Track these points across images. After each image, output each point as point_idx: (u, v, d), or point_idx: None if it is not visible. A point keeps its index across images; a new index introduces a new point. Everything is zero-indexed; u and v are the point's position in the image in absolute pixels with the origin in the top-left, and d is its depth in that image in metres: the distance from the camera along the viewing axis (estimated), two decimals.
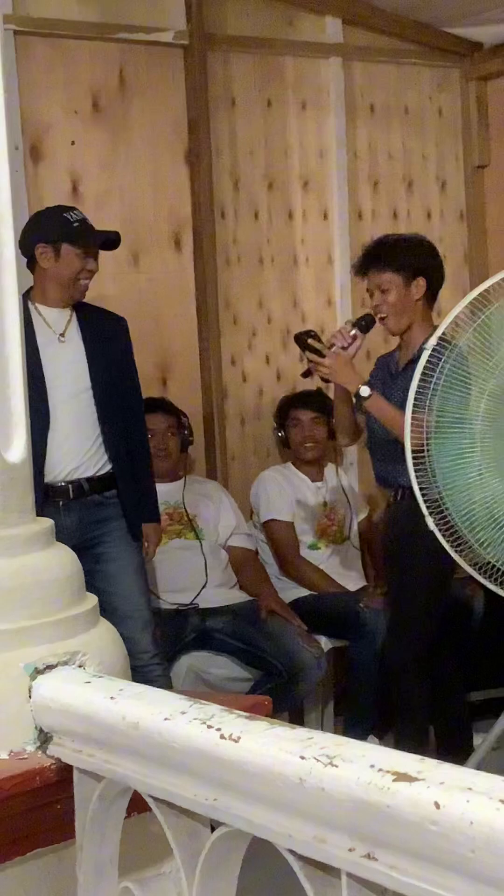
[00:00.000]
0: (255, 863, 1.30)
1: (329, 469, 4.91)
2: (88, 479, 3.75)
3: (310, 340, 3.73)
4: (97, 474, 3.77)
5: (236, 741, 1.13)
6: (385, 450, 3.83)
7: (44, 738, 1.40)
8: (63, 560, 1.55)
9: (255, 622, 4.31)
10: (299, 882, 1.07)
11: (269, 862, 1.18)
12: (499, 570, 3.43)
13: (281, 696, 4.06)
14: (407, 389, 3.41)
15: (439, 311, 4.06)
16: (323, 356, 3.70)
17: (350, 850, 1.01)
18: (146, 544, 3.91)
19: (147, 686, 1.34)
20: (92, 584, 3.94)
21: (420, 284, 3.85)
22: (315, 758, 1.05)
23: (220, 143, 4.86)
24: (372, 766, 1.01)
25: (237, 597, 4.47)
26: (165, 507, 4.28)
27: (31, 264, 3.73)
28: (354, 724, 4.35)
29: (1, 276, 1.51)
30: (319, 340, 3.76)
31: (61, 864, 1.39)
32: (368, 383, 3.73)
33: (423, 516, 3.40)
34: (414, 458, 3.39)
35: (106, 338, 3.82)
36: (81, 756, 1.34)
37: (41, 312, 3.74)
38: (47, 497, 3.64)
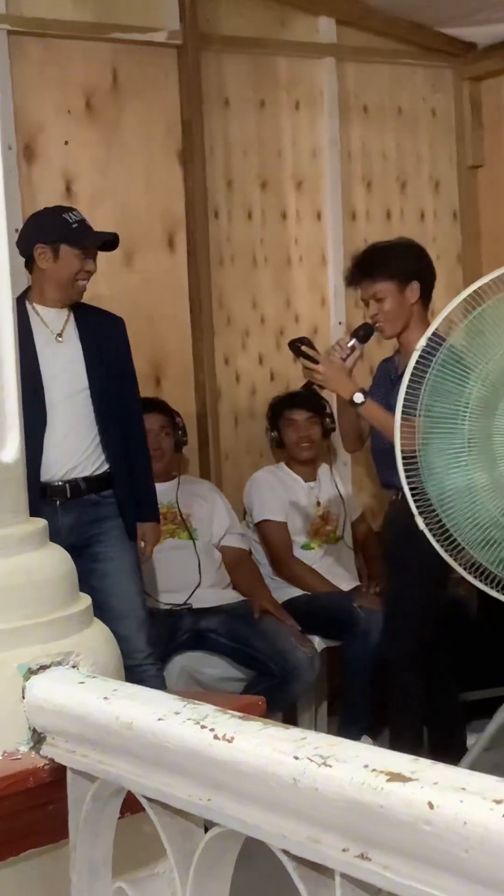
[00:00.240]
0: (249, 863, 1.29)
1: (323, 469, 4.91)
2: (86, 479, 3.76)
3: (303, 347, 3.72)
4: (94, 474, 3.77)
5: (230, 741, 1.13)
6: (386, 453, 3.83)
7: (37, 738, 1.39)
8: (56, 560, 1.55)
9: (248, 622, 4.32)
10: (293, 882, 1.07)
11: (263, 862, 1.18)
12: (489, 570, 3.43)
13: (274, 696, 4.06)
14: None
15: (433, 312, 4.06)
16: (317, 363, 3.70)
17: (344, 850, 1.01)
18: (142, 544, 3.91)
19: (140, 686, 1.33)
20: (88, 583, 3.94)
21: (414, 288, 3.85)
22: (309, 758, 1.05)
23: (213, 143, 4.86)
24: (366, 767, 1.01)
25: (231, 597, 4.48)
26: (159, 507, 4.28)
27: (30, 264, 3.74)
28: (348, 723, 4.36)
29: None
30: (313, 347, 3.75)
31: (55, 864, 1.39)
32: (362, 390, 3.72)
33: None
34: (408, 460, 3.39)
35: (104, 338, 3.82)
36: (75, 756, 1.34)
37: (39, 313, 3.74)
38: (44, 496, 3.64)
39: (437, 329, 3.37)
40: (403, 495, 3.73)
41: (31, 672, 1.41)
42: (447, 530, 3.39)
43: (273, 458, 5.00)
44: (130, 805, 1.32)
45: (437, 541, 3.40)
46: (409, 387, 3.34)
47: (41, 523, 1.57)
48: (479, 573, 3.44)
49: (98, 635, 1.55)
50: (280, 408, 4.88)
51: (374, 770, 1.00)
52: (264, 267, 5.03)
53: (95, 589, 3.74)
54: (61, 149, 4.50)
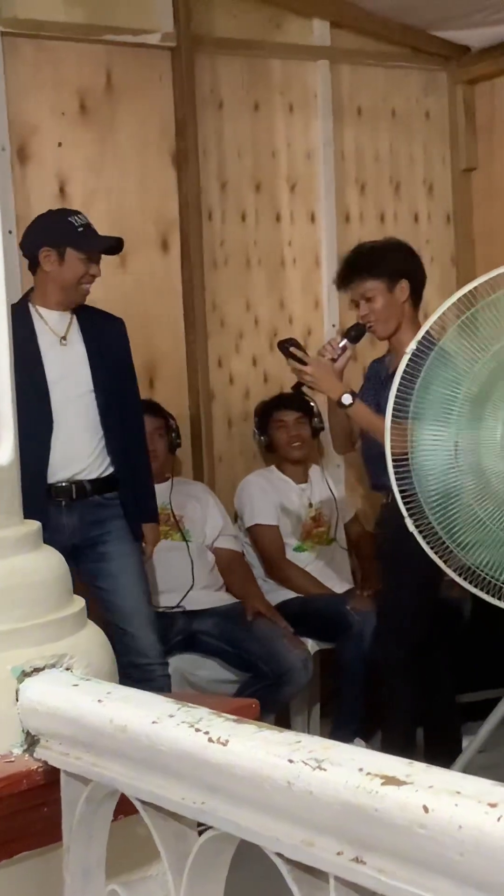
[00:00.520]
0: (243, 866, 1.29)
1: (314, 470, 4.91)
2: (91, 481, 3.77)
3: (291, 349, 3.71)
4: (100, 476, 3.78)
5: (224, 744, 1.13)
6: (376, 456, 3.83)
7: (31, 741, 1.39)
8: (51, 562, 1.55)
9: (241, 624, 4.31)
10: (287, 885, 1.07)
11: (257, 865, 1.18)
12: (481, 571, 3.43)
13: (267, 699, 4.05)
14: None
15: (426, 313, 4.06)
16: (305, 364, 3.69)
17: (338, 853, 1.01)
18: (144, 544, 3.93)
19: (134, 689, 1.33)
20: (94, 583, 3.93)
21: (403, 287, 3.84)
22: (303, 761, 1.05)
23: (207, 144, 4.86)
24: (360, 770, 1.00)
25: (224, 599, 4.47)
26: None
27: (33, 266, 3.74)
28: (341, 726, 4.36)
29: None
30: (301, 348, 3.75)
31: (48, 866, 1.39)
32: (351, 391, 3.72)
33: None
34: (399, 462, 3.39)
35: (106, 339, 3.84)
36: (69, 759, 1.34)
37: (42, 315, 3.75)
38: (49, 496, 3.66)
39: (428, 331, 3.37)
40: (394, 497, 3.74)
41: (25, 674, 1.41)
42: (437, 532, 3.40)
43: (264, 462, 5.00)
44: (124, 807, 1.31)
45: (428, 543, 3.40)
46: (399, 389, 3.34)
47: (35, 525, 1.57)
48: (471, 576, 3.45)
49: (92, 638, 1.55)
50: (268, 410, 4.88)
51: (368, 773, 1.00)
52: (258, 269, 5.03)
53: (102, 589, 3.76)
54: (55, 150, 4.50)
